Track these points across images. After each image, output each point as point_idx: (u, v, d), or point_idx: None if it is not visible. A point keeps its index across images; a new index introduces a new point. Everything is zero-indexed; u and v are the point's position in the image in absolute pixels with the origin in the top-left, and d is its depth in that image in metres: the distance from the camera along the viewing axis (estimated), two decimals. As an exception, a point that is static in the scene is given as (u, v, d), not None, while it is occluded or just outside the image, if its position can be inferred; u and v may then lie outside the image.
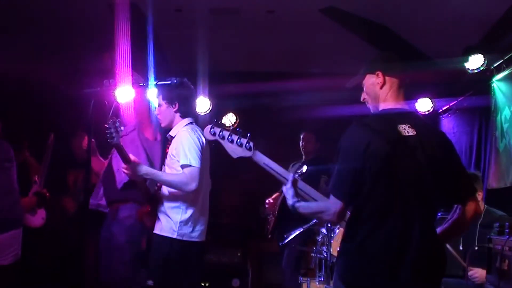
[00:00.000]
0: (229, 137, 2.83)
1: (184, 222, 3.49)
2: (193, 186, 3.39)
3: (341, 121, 3.01)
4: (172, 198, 3.54)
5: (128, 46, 5.19)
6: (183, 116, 3.67)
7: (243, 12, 5.58)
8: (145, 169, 3.48)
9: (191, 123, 3.67)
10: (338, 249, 2.71)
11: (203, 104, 6.57)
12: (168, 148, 3.70)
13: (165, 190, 3.59)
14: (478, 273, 3.82)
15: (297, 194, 2.68)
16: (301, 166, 5.59)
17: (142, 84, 3.84)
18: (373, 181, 2.39)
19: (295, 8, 5.46)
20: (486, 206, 4.06)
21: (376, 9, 5.42)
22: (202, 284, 6.67)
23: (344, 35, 5.83)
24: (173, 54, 6.37)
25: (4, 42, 5.75)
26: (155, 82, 3.72)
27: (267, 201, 5.84)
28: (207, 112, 6.63)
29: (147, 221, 3.70)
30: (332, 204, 2.45)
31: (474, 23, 5.28)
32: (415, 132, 2.48)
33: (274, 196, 5.80)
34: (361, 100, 2.70)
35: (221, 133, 2.84)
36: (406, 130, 2.48)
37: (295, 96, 6.35)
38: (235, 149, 2.81)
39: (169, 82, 3.61)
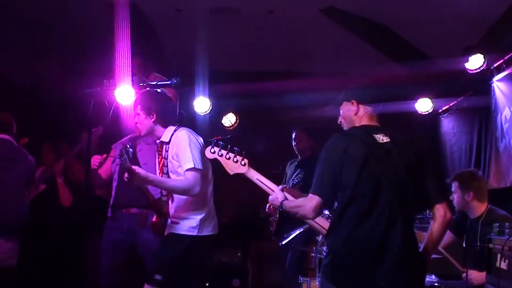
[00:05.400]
0: (226, 155, 3.13)
1: (204, 219, 3.56)
2: (197, 189, 3.45)
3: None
4: (188, 199, 3.55)
5: (128, 46, 5.19)
6: (165, 126, 3.65)
7: (243, 12, 5.59)
8: (151, 176, 3.47)
9: (177, 128, 3.64)
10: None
11: (203, 104, 6.57)
12: (160, 154, 3.68)
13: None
14: (473, 274, 3.82)
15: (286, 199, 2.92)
16: (297, 167, 5.59)
17: (142, 84, 3.83)
18: (354, 184, 2.61)
19: (295, 8, 5.46)
20: (489, 205, 4.06)
21: (376, 9, 5.43)
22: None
23: (343, 35, 5.84)
24: (173, 54, 6.37)
25: (4, 42, 5.76)
26: (155, 83, 3.70)
27: (268, 205, 5.83)
28: (207, 112, 6.63)
29: (158, 231, 3.71)
30: (309, 200, 2.68)
31: (474, 23, 5.29)
32: (389, 140, 2.73)
33: None
34: (338, 122, 2.98)
35: (219, 152, 3.15)
36: (381, 138, 2.73)
37: (295, 96, 6.34)
38: (231, 166, 3.12)
39: (169, 83, 3.60)
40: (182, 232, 3.55)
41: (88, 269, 4.70)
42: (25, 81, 6.28)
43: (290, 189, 3.64)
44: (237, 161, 3.10)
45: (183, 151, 3.49)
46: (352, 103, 2.88)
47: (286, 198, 2.91)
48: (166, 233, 3.64)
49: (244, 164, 3.09)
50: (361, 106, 2.87)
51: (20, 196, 4.37)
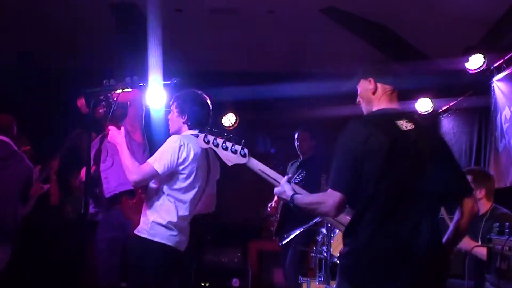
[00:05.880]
0: (223, 144, 2.82)
1: (158, 223, 3.38)
2: (133, 177, 3.35)
3: (340, 119, 3.03)
4: (152, 197, 3.48)
5: (129, 46, 5.20)
6: (190, 128, 3.63)
7: (243, 12, 5.59)
8: (124, 143, 3.51)
9: (196, 136, 3.53)
10: (340, 251, 2.71)
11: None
12: None
13: (151, 186, 3.52)
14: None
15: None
16: (299, 168, 5.60)
17: (141, 84, 3.83)
18: (377, 178, 2.37)
19: (295, 8, 5.46)
20: (494, 204, 4.06)
21: (376, 9, 5.42)
22: (202, 284, 6.68)
23: (343, 35, 5.84)
24: (173, 54, 6.37)
25: (4, 42, 5.76)
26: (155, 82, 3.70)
27: (269, 206, 5.84)
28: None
29: (131, 214, 3.69)
30: (330, 196, 2.40)
31: (474, 23, 5.29)
32: (413, 126, 2.50)
33: (275, 199, 5.80)
34: (357, 102, 2.73)
35: (214, 141, 2.84)
36: (404, 125, 2.50)
37: (294, 96, 6.34)
38: (230, 156, 2.81)
39: (169, 82, 3.60)
40: (139, 234, 3.44)
41: (88, 269, 4.69)
42: (24, 79, 6.28)
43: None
44: (235, 151, 2.79)
45: (158, 150, 3.44)
46: (370, 80, 2.64)
47: (295, 192, 2.63)
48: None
49: (244, 154, 2.78)
50: (379, 85, 2.62)
51: (14, 198, 4.26)
